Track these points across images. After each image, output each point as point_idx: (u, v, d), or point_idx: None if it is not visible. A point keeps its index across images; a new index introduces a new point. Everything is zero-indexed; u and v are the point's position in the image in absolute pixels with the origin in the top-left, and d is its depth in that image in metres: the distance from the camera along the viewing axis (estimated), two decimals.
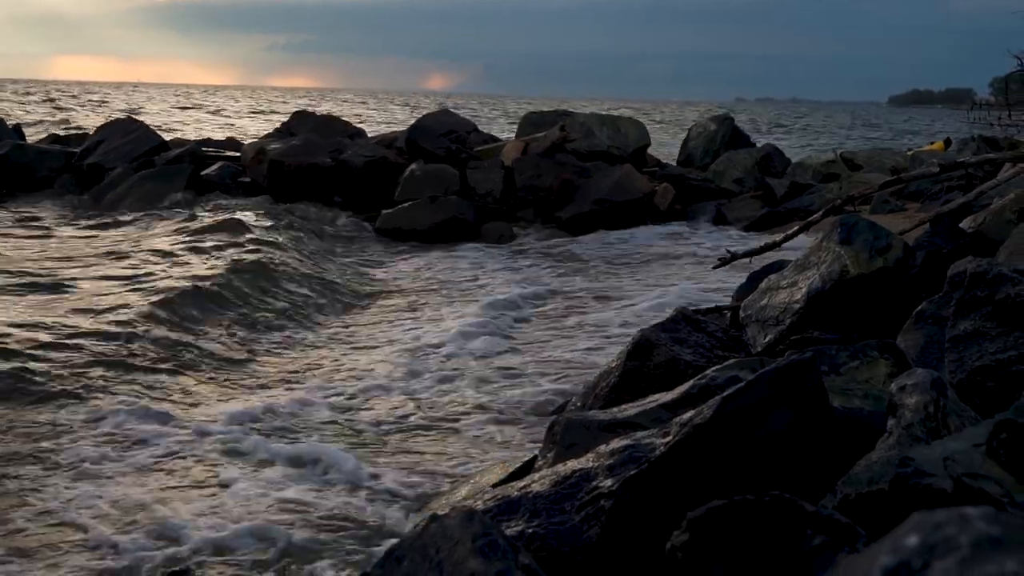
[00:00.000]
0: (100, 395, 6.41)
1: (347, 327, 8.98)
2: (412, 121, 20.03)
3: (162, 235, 13.39)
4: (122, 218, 15.26)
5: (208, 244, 12.25)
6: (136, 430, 5.85)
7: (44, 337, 7.40)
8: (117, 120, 20.73)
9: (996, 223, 6.19)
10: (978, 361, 3.31)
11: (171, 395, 6.61)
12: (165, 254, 11.67)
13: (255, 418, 6.14)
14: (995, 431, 2.34)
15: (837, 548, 2.04)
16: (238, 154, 18.34)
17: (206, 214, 14.94)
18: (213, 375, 7.17)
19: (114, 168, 17.46)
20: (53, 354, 7.04)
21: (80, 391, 6.44)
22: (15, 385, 6.40)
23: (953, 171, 9.10)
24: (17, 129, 21.50)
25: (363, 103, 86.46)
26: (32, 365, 6.74)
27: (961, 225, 6.24)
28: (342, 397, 6.70)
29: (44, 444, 5.57)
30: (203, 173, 17.20)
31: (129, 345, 7.46)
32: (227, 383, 7.01)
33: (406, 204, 15.62)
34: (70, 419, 5.97)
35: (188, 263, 11.15)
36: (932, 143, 28.73)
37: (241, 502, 4.87)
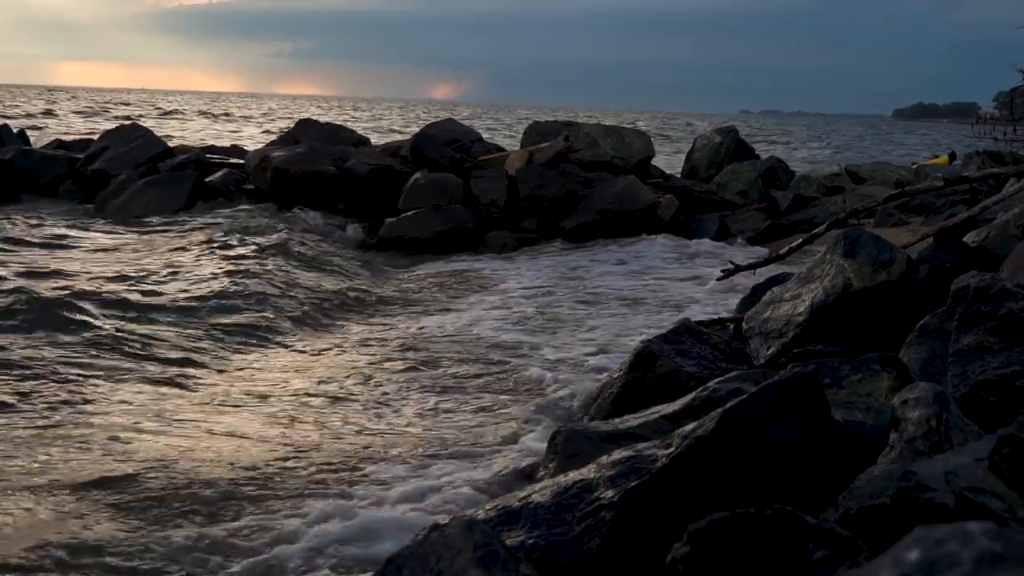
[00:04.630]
0: None
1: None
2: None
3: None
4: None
5: None
6: None
7: None
8: (121, 126, 20.77)
9: (1000, 238, 6.18)
10: (981, 375, 3.30)
11: None
12: None
13: None
14: (998, 446, 2.34)
15: (838, 562, 2.03)
16: (242, 161, 18.38)
17: None
18: None
19: (118, 174, 17.49)
20: None
21: None
22: None
23: (957, 185, 9.09)
24: (22, 134, 21.55)
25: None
26: None
27: (965, 239, 6.23)
28: None
29: None
30: (207, 180, 17.23)
31: None
32: None
33: (410, 213, 15.64)
34: None
35: None
36: (936, 157, 28.76)
37: None
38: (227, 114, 65.48)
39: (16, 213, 15.74)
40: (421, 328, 9.18)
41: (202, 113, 63.98)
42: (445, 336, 8.77)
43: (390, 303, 10.67)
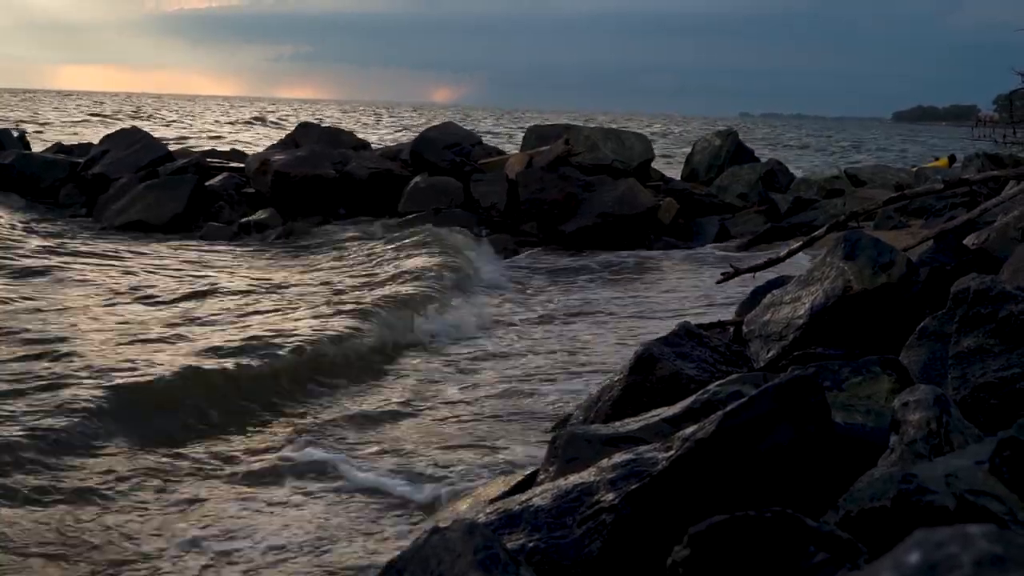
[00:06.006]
0: None
1: None
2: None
3: None
4: None
5: None
6: None
7: None
8: (122, 130, 20.78)
9: (1000, 240, 6.18)
10: (981, 378, 3.30)
11: None
12: None
13: None
14: (998, 448, 2.34)
15: (838, 565, 2.03)
16: (242, 165, 18.37)
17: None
18: None
19: (119, 178, 17.49)
20: None
21: None
22: None
23: (957, 188, 9.08)
24: (22, 138, 21.57)
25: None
26: None
27: (965, 242, 6.23)
28: None
29: None
30: (207, 184, 17.23)
31: None
32: None
33: (410, 216, 15.64)
34: None
35: None
36: (936, 159, 28.75)
37: None
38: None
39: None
40: None
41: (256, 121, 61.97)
42: None
43: None
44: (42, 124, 40.54)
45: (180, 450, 6.07)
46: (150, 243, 14.68)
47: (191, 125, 51.21)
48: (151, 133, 20.41)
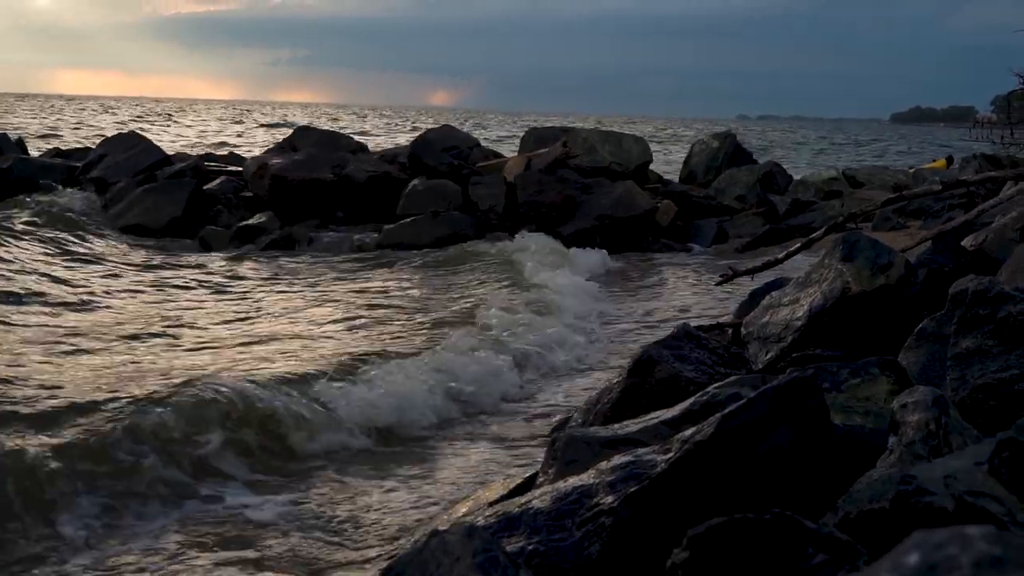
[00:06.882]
0: None
1: None
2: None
3: None
4: None
5: None
6: None
7: None
8: (120, 134, 20.79)
9: (998, 241, 6.18)
10: (980, 379, 3.30)
11: None
12: None
13: None
14: (997, 449, 2.34)
15: (837, 567, 2.03)
16: (240, 169, 18.37)
17: None
18: None
19: (116, 182, 17.49)
20: None
21: None
22: None
23: (955, 189, 9.10)
24: (20, 143, 21.56)
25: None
26: None
27: (963, 243, 6.23)
28: None
29: None
30: (205, 188, 17.22)
31: None
32: None
33: (408, 219, 15.64)
34: None
35: None
36: (934, 160, 28.78)
37: None
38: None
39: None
40: None
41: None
42: None
43: None
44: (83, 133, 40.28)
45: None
46: (145, 249, 14.66)
47: (224, 129, 51.28)
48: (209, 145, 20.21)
